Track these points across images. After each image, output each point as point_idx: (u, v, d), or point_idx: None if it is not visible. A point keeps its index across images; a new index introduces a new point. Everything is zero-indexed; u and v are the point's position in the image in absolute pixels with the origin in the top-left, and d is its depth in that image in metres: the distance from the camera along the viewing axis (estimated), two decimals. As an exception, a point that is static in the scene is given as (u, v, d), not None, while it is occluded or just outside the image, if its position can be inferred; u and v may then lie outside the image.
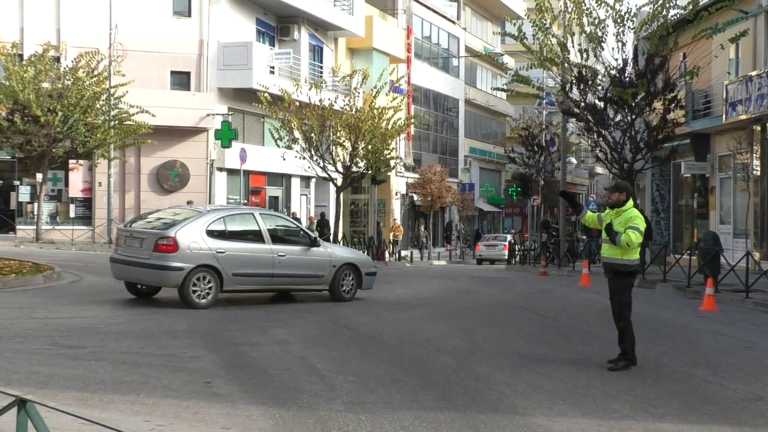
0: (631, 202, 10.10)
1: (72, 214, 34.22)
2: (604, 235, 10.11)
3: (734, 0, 24.56)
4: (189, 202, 32.78)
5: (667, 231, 32.74)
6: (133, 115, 31.06)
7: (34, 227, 31.51)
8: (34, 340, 10.37)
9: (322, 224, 34.64)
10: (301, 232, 16.71)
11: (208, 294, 14.48)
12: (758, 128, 25.55)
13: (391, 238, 42.89)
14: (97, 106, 31.12)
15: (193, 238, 14.48)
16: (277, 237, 15.84)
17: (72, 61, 31.01)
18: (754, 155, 25.98)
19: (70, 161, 32.98)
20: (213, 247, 14.61)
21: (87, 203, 34.27)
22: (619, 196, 10.06)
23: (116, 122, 31.25)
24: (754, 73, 24.15)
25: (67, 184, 34.25)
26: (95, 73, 31.07)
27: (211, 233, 14.72)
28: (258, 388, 8.30)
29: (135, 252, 14.74)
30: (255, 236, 15.40)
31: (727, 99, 25.30)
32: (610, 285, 10.30)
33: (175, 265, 14.27)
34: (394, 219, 45.66)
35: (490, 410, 7.80)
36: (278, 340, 11.22)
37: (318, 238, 16.87)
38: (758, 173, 25.79)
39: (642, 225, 9.91)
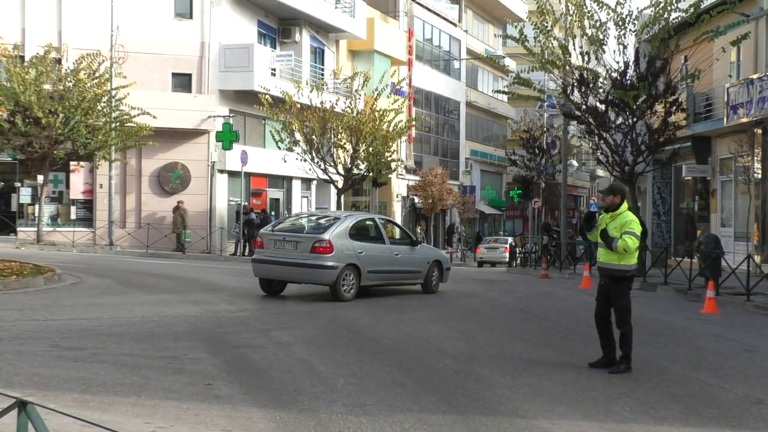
0: (626, 205, 9.99)
1: (73, 216, 34.23)
2: (599, 239, 10.02)
3: (735, 3, 24.55)
4: (180, 203, 32.79)
5: (668, 234, 32.72)
6: (135, 117, 31.07)
7: (35, 229, 31.53)
8: (34, 342, 10.37)
9: None
10: (405, 234, 19.81)
11: (351, 289, 16.78)
12: (759, 131, 25.54)
13: None
14: (99, 107, 31.13)
15: (342, 240, 16.78)
16: (391, 238, 18.97)
17: (73, 63, 31.02)
18: (755, 158, 25.97)
19: (71, 163, 32.98)
20: (355, 248, 16.96)
21: (88, 205, 34.27)
22: (614, 198, 9.94)
23: (117, 124, 31.27)
24: (755, 76, 24.15)
25: (68, 186, 34.25)
26: (96, 74, 31.08)
27: (352, 236, 17.10)
28: (259, 390, 8.30)
29: (289, 253, 16.81)
30: (378, 238, 18.02)
31: (728, 102, 25.29)
32: (605, 289, 10.17)
33: (331, 264, 16.46)
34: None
35: (491, 413, 7.80)
36: (279, 342, 11.22)
37: (418, 239, 20.26)
38: (759, 176, 25.77)
39: (638, 229, 9.82)
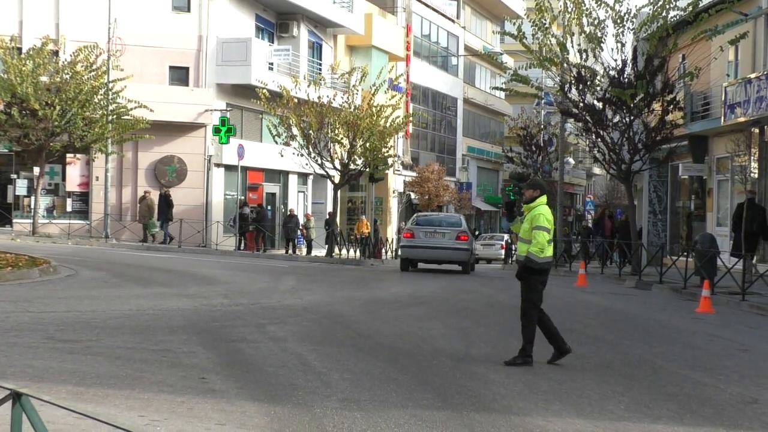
0: (543, 199, 10.14)
1: (69, 208, 34.19)
2: (520, 233, 10.21)
3: (734, 2, 24.55)
4: (146, 193, 32.57)
5: (664, 233, 32.74)
6: (132, 109, 31.02)
7: (31, 221, 31.48)
8: (29, 334, 10.36)
9: (331, 222, 34.93)
10: (469, 228, 28.05)
11: (473, 267, 27.47)
12: (756, 131, 25.55)
13: (357, 235, 38.35)
14: (95, 100, 31.08)
15: (468, 231, 26.79)
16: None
17: (71, 55, 30.97)
18: (752, 158, 25.98)
19: (68, 155, 32.94)
20: (471, 238, 27.15)
21: (84, 197, 34.23)
22: (533, 192, 10.16)
23: (114, 117, 31.23)
24: (753, 76, 24.15)
25: (64, 178, 34.21)
26: (94, 67, 31.03)
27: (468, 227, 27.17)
28: (253, 384, 8.29)
29: (440, 241, 25.31)
30: (470, 231, 28.23)
31: (725, 101, 25.30)
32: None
33: (467, 248, 25.92)
34: (361, 216, 41.84)
35: (485, 410, 7.79)
36: (274, 337, 11.21)
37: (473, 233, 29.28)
38: (756, 176, 25.79)
39: (546, 222, 9.95)
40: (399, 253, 29.38)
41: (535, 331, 10.13)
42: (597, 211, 52.74)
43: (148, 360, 9.16)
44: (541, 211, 10.04)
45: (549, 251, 10.11)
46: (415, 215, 31.65)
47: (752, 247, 22.18)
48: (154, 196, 32.57)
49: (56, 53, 31.70)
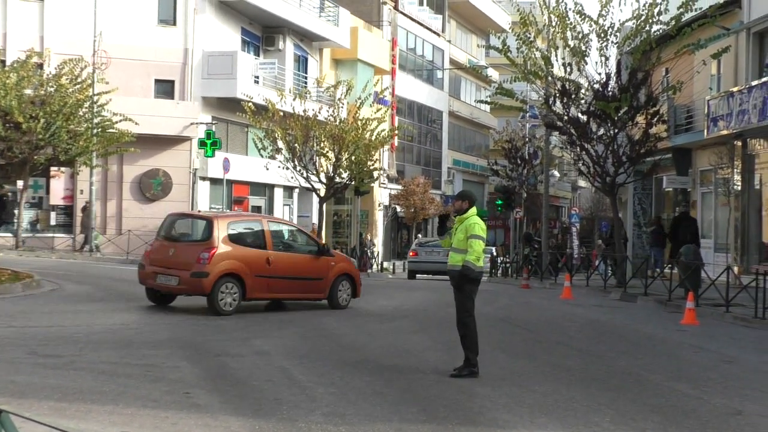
0: (474, 210, 10.40)
1: (53, 222, 34.00)
2: (453, 243, 10.30)
3: (716, 17, 24.72)
4: (88, 203, 32.41)
5: (648, 245, 32.82)
6: (117, 123, 30.90)
7: (14, 234, 31.29)
8: (11, 349, 10.28)
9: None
10: None
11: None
12: (739, 143, 25.70)
13: None
14: (80, 113, 30.95)
15: None
16: None
17: (55, 68, 30.85)
18: (735, 170, 26.12)
19: (52, 168, 32.77)
20: None
21: (68, 211, 34.06)
22: (462, 203, 10.44)
23: (99, 130, 31.09)
24: (735, 89, 24.30)
25: (48, 192, 34.03)
26: (78, 80, 30.90)
27: None
28: (238, 399, 8.26)
29: (436, 257, 31.09)
30: None
31: (708, 114, 25.44)
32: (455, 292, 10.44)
33: None
34: (313, 223, 39.46)
35: (470, 423, 7.79)
36: (259, 351, 11.17)
37: None
38: (739, 188, 25.93)
39: (481, 231, 10.17)
40: (407, 266, 37.06)
41: (477, 339, 10.18)
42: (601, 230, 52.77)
43: (131, 375, 9.11)
44: (476, 220, 10.29)
45: (481, 261, 10.27)
46: (417, 239, 42.72)
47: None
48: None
49: (41, 66, 31.57)
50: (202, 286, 14.90)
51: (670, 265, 24.12)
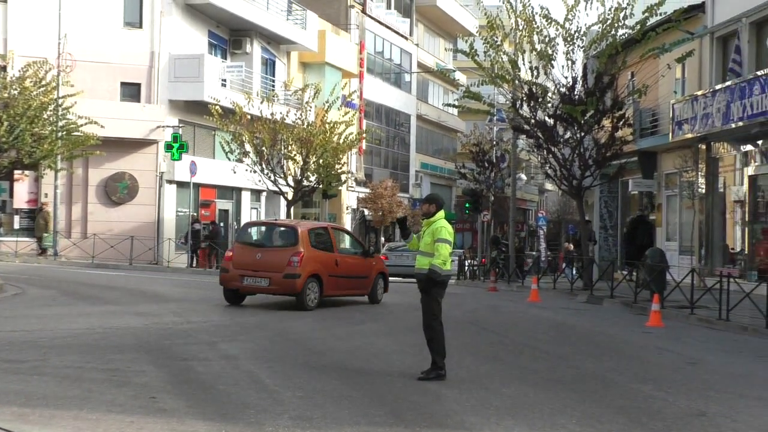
0: (441, 213, 10.44)
1: (16, 226, 33.60)
2: (420, 246, 10.36)
3: (681, 21, 25.00)
4: (43, 205, 32.22)
5: (614, 247, 33.11)
6: (82, 126, 30.62)
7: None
8: (-26, 354, 10.15)
9: None
10: None
11: None
12: (703, 147, 26.00)
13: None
14: (45, 116, 30.60)
15: None
16: None
17: (19, 71, 30.48)
18: (700, 173, 26.42)
19: (16, 172, 32.39)
20: None
21: (32, 215, 33.68)
22: (429, 207, 10.48)
23: (64, 133, 30.78)
24: (699, 93, 24.58)
25: (11, 195, 33.62)
26: (43, 83, 30.57)
27: None
28: (205, 403, 8.21)
29: (405, 261, 31.07)
30: None
31: (673, 118, 25.71)
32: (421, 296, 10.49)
33: None
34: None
35: (438, 426, 7.80)
36: (226, 355, 11.12)
37: None
38: (703, 191, 26.22)
39: (448, 235, 10.22)
40: None
41: (444, 342, 10.22)
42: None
43: (96, 379, 9.03)
44: (443, 224, 10.32)
45: (449, 264, 10.29)
46: (387, 244, 42.03)
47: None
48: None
49: (4, 68, 31.19)
50: (294, 286, 17.07)
51: (625, 269, 24.60)
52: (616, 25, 25.07)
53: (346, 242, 20.58)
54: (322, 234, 18.77)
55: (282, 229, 18.99)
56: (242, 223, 37.70)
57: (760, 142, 22.77)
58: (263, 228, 20.18)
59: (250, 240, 19.06)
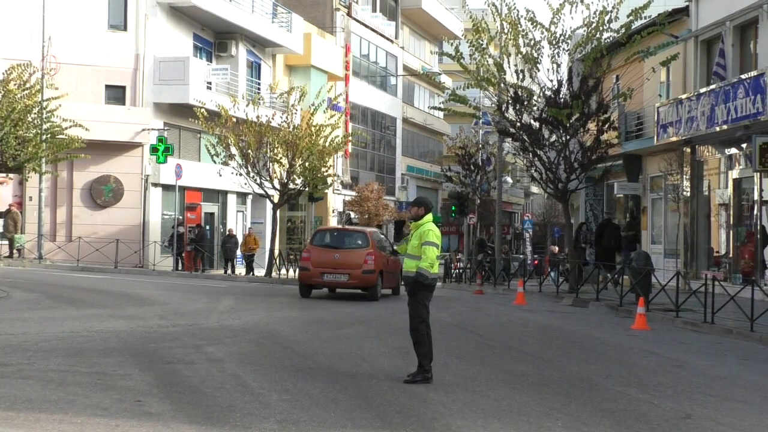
0: (429, 216, 10.50)
1: (0, 229, 33.44)
2: (408, 249, 10.39)
3: (665, 25, 25.11)
4: (11, 206, 32.14)
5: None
6: (66, 128, 30.50)
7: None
8: (-42, 358, 10.09)
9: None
10: None
11: None
12: (688, 150, 26.12)
13: (243, 251, 35.59)
14: (29, 119, 30.50)
15: None
16: None
17: (3, 74, 30.36)
18: (684, 176, 26.54)
19: (0, 175, 32.23)
20: None
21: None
22: (418, 210, 10.55)
23: (48, 136, 30.66)
24: (684, 96, 24.69)
25: (-4, 199, 33.46)
26: (27, 85, 30.46)
27: None
28: (191, 406, 8.19)
29: None
30: None
31: (658, 121, 25.82)
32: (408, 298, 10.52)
33: None
34: (250, 227, 38.80)
35: (424, 429, 7.80)
36: (212, 358, 11.09)
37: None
38: (688, 194, 26.34)
39: (435, 238, 10.27)
40: None
41: (431, 345, 10.23)
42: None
43: (81, 383, 8.99)
44: (430, 227, 10.36)
45: (435, 267, 10.33)
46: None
47: (611, 258, 26.96)
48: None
49: (-12, 71, 31.06)
50: (371, 280, 21.45)
51: (599, 269, 24.95)
52: (601, 28, 25.13)
53: (385, 243, 23.85)
54: (378, 237, 23.22)
55: (355, 233, 23.19)
56: (228, 226, 37.69)
57: (744, 146, 22.88)
58: (335, 233, 24.32)
59: (325, 243, 22.61)
